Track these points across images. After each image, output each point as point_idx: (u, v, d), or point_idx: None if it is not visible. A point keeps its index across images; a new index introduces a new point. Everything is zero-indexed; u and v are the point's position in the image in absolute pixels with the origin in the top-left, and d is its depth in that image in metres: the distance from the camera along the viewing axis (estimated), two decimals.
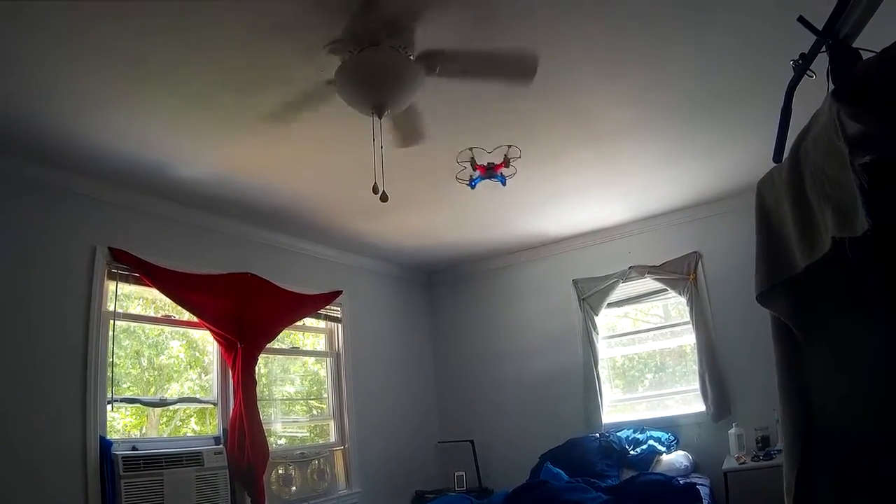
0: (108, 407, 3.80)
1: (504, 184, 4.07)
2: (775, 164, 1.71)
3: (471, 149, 3.89)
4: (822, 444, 1.55)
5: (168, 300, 4.22)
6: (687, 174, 4.74)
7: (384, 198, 2.98)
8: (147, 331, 4.38)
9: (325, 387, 5.63)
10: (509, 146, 3.91)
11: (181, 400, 4.34)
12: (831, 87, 1.40)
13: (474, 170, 4.06)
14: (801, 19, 1.59)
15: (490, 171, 4.07)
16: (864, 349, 1.58)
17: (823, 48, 1.55)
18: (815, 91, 1.49)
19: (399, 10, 2.63)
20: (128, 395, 4.07)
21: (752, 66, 3.28)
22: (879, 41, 1.40)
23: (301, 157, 3.84)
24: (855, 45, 1.49)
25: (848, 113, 1.19)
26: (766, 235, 1.70)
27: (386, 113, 2.82)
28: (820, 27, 1.53)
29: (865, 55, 1.41)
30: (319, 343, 5.69)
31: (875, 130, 1.15)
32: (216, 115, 3.32)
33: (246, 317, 4.47)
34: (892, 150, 1.16)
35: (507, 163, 4.06)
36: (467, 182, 4.05)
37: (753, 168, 4.32)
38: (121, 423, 4.10)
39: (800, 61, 1.68)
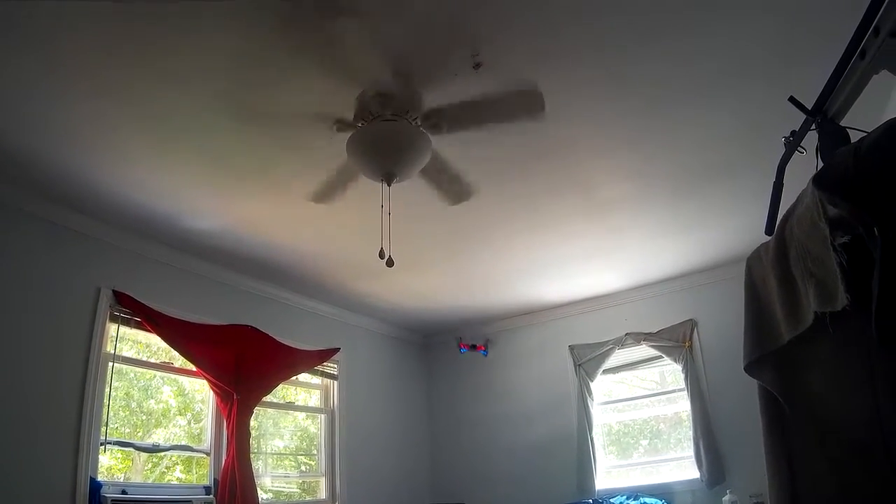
0: (101, 448, 3.78)
1: (486, 355, 6.57)
2: (765, 238, 1.79)
3: (458, 337, 6.58)
4: None
5: (162, 345, 4.24)
6: (683, 244, 4.85)
7: (390, 263, 3.06)
8: (137, 374, 4.37)
9: (316, 443, 5.59)
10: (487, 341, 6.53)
11: (174, 447, 4.32)
12: (820, 163, 1.49)
13: (460, 348, 6.60)
14: (792, 99, 1.69)
15: (473, 349, 6.58)
16: (847, 419, 1.63)
17: (813, 126, 1.64)
18: (806, 166, 1.58)
19: (410, 80, 2.77)
20: (115, 436, 4.04)
21: (747, 142, 3.44)
22: (866, 119, 1.50)
23: (309, 217, 3.95)
24: (843, 123, 1.58)
25: (826, 199, 1.29)
26: (754, 309, 1.78)
27: (395, 180, 2.91)
28: (810, 107, 1.63)
29: (852, 133, 1.50)
30: (312, 399, 5.68)
31: (849, 216, 1.24)
32: (231, 174, 3.48)
33: (244, 369, 4.49)
34: (863, 233, 1.25)
35: (486, 346, 6.57)
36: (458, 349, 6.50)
37: (747, 238, 4.46)
38: (105, 466, 4.02)
39: (791, 138, 1.77)
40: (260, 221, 4.01)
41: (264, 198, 3.71)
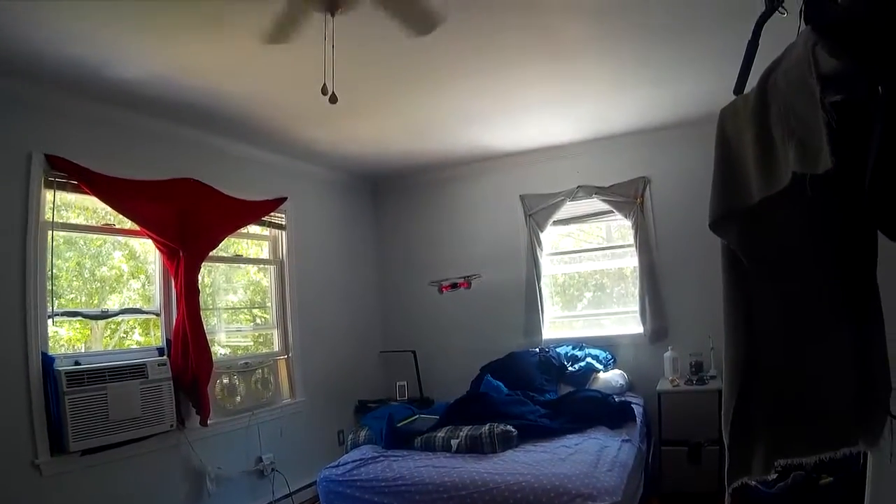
0: (49, 321, 3.68)
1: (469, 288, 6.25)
2: (731, 101, 1.70)
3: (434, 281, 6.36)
4: (763, 374, 1.61)
5: (109, 209, 4.04)
6: (643, 98, 4.68)
7: (333, 99, 2.85)
8: (87, 242, 4.21)
9: (269, 296, 5.58)
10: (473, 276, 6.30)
11: (123, 311, 4.23)
12: (802, 26, 1.37)
13: (441, 290, 6.32)
14: None
15: (455, 287, 6.28)
16: (807, 285, 1.62)
17: None
18: (785, 28, 1.46)
19: None
20: (72, 307, 3.96)
21: None
22: None
23: (247, 58, 3.61)
24: None
25: (826, 47, 1.17)
26: (724, 164, 1.70)
27: (339, 11, 2.66)
28: None
29: None
30: (263, 251, 5.60)
31: (850, 69, 1.14)
32: (157, 12, 3.09)
33: (188, 223, 4.33)
34: (864, 92, 1.15)
35: (468, 283, 6.21)
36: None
37: (710, 98, 4.35)
38: (65, 338, 4.01)
39: None
40: (195, 66, 3.65)
41: (199, 39, 3.32)
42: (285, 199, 5.50)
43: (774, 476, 1.62)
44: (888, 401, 1.52)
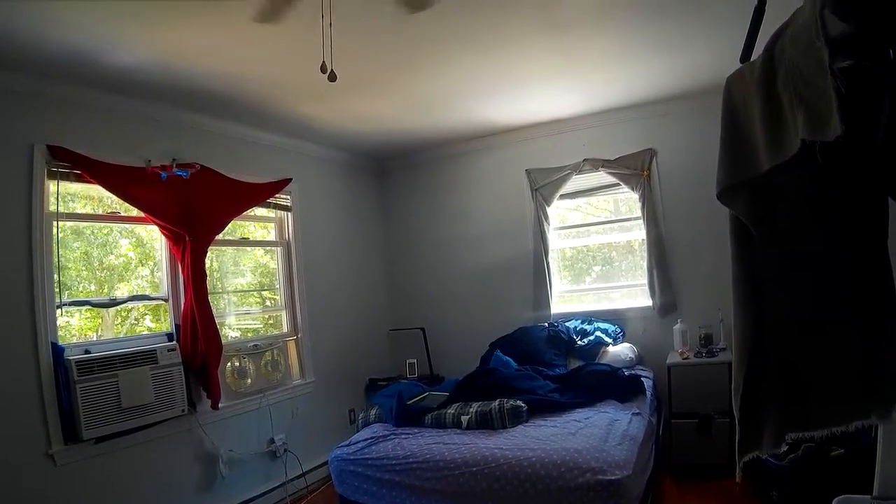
0: (58, 312, 3.69)
1: (186, 175, 4.37)
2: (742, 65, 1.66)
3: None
4: (772, 347, 1.59)
5: (115, 197, 4.03)
6: (647, 70, 4.61)
7: (332, 77, 2.81)
8: (95, 231, 4.21)
9: (277, 277, 5.58)
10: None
11: (131, 298, 4.24)
12: None
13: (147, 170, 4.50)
14: None
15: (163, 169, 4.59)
16: (816, 256, 1.59)
17: None
18: None
19: None
20: (82, 296, 3.97)
21: None
22: None
23: (245, 39, 3.57)
24: None
25: (834, 10, 1.13)
26: (731, 133, 1.66)
27: None
28: None
29: None
30: (269, 234, 5.59)
31: (860, 33, 1.10)
32: None
33: (193, 208, 4.32)
34: (874, 56, 1.12)
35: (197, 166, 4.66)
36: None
37: (716, 68, 4.27)
38: (77, 327, 4.03)
39: None
40: (192, 49, 3.59)
41: (195, 21, 3.26)
42: (290, 180, 5.48)
43: (785, 448, 1.61)
44: None
